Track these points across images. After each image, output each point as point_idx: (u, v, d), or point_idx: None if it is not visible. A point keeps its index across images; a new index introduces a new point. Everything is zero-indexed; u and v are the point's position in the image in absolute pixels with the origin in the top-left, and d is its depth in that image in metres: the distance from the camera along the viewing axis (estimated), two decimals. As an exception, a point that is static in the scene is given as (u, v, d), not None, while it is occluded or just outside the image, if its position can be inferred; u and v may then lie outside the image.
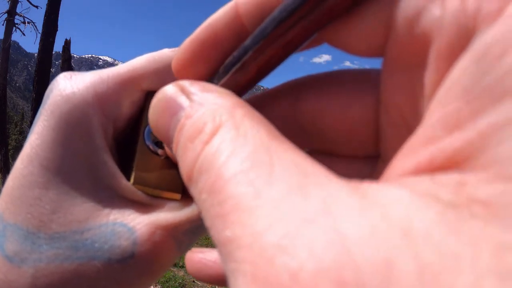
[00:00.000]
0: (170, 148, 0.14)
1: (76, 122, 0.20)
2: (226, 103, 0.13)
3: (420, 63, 0.12)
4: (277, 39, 0.13)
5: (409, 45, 0.12)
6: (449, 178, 0.09)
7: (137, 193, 0.21)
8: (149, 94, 0.22)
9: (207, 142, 0.12)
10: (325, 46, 0.16)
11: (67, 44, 7.05)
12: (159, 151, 0.22)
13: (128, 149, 0.22)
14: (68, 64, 7.23)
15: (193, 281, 3.80)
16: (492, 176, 0.08)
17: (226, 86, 0.15)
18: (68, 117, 0.20)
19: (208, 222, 0.11)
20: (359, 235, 0.08)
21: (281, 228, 0.09)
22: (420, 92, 0.13)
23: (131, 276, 0.19)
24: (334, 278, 0.08)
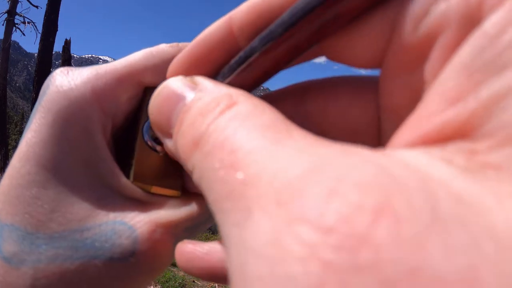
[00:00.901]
0: (167, 137, 0.14)
1: (74, 119, 0.20)
2: (240, 91, 0.12)
3: (421, 62, 0.12)
4: (285, 41, 0.13)
5: (413, 45, 0.12)
6: (459, 147, 0.09)
7: (137, 191, 0.20)
8: (147, 90, 0.21)
9: (222, 113, 0.11)
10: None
11: (67, 44, 7.05)
12: (158, 148, 0.21)
13: (126, 146, 0.22)
14: (68, 64, 7.24)
15: (193, 281, 3.80)
16: (500, 142, 0.09)
17: (232, 85, 0.15)
18: (66, 114, 0.19)
19: (210, 181, 0.10)
20: (392, 164, 0.09)
21: (308, 160, 0.09)
22: (420, 90, 0.13)
23: (132, 274, 0.19)
24: (381, 187, 0.08)
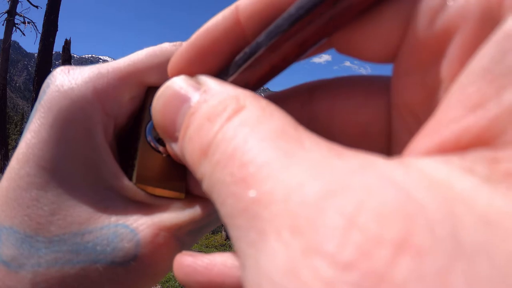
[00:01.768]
0: (172, 141, 0.13)
1: (75, 119, 0.19)
2: (247, 92, 0.12)
3: (437, 59, 0.12)
4: (293, 36, 0.13)
5: (428, 41, 0.12)
6: (481, 156, 0.09)
7: (140, 193, 0.20)
8: (150, 90, 0.21)
9: (229, 119, 0.11)
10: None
11: (67, 44, 7.06)
12: (161, 149, 0.21)
13: (128, 147, 0.21)
14: (68, 64, 7.23)
15: (194, 282, 3.79)
16: None
17: (237, 82, 0.14)
18: (67, 114, 0.19)
19: (221, 195, 0.10)
20: (412, 183, 0.08)
21: (325, 178, 0.08)
22: (435, 88, 0.12)
23: (134, 278, 0.19)
24: (401, 216, 0.07)
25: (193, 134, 0.12)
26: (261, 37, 0.14)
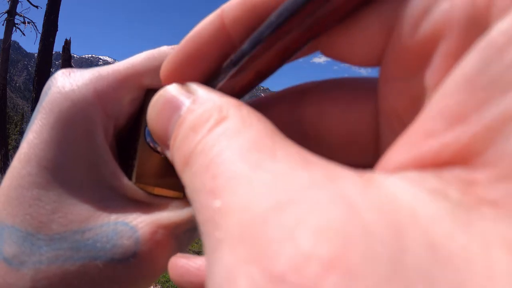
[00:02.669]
0: (165, 148, 0.14)
1: (76, 120, 0.19)
2: (232, 101, 0.12)
3: (422, 65, 0.12)
4: (274, 44, 0.13)
5: (413, 47, 0.12)
6: (456, 176, 0.08)
7: (139, 192, 0.20)
8: (149, 92, 0.21)
9: (211, 130, 0.11)
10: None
11: (67, 44, 7.05)
12: (159, 149, 0.21)
13: (128, 147, 0.22)
14: (68, 64, 7.23)
15: (193, 281, 3.79)
16: (501, 174, 0.08)
17: (225, 88, 0.15)
18: (68, 115, 0.19)
19: (196, 203, 0.10)
20: (366, 203, 0.08)
21: (279, 193, 0.09)
22: (421, 95, 0.12)
23: (133, 275, 0.19)
24: (340, 234, 0.07)
25: (179, 144, 0.12)
26: (244, 45, 0.14)
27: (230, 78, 0.15)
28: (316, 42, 0.14)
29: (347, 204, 0.08)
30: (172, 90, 0.14)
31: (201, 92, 0.13)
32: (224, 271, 0.08)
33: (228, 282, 0.08)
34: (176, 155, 0.12)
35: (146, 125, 0.21)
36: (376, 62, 0.13)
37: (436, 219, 0.08)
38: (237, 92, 0.15)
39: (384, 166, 0.10)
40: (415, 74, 0.12)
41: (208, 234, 0.10)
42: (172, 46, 0.22)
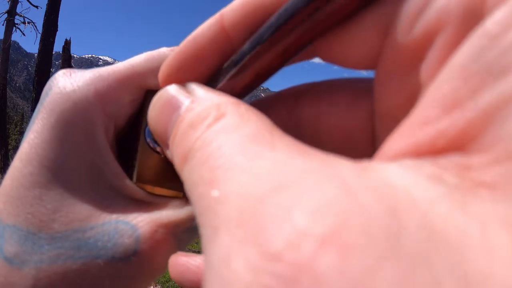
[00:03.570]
0: (165, 147, 0.14)
1: (77, 120, 0.20)
2: (230, 99, 0.12)
3: (418, 63, 0.12)
4: (274, 45, 0.13)
5: (410, 43, 0.12)
6: (452, 161, 0.09)
7: (139, 192, 0.21)
8: (149, 93, 0.22)
9: (209, 126, 0.11)
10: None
11: (67, 44, 7.05)
12: (159, 149, 0.21)
13: (128, 148, 0.22)
14: (68, 64, 7.22)
15: (193, 281, 3.79)
16: (497, 157, 0.08)
17: (224, 89, 0.15)
18: (69, 115, 0.20)
19: (193, 196, 0.10)
20: (362, 185, 0.08)
21: (277, 177, 0.09)
22: (416, 92, 0.12)
23: (133, 274, 0.19)
24: (336, 212, 0.07)
25: (178, 141, 0.12)
26: (245, 46, 0.14)
27: (230, 79, 0.15)
28: (314, 47, 0.14)
29: (343, 185, 0.08)
30: (172, 90, 0.14)
31: (200, 91, 0.14)
32: (220, 253, 0.08)
33: (223, 263, 0.08)
34: (175, 152, 0.12)
35: (146, 126, 0.21)
36: (372, 65, 0.14)
37: (433, 202, 0.08)
38: (236, 93, 0.15)
39: (382, 156, 0.11)
40: (411, 70, 0.12)
41: (206, 224, 0.09)
42: (172, 48, 0.22)
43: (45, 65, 6.78)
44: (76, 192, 0.20)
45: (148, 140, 0.21)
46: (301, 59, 0.15)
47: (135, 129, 0.22)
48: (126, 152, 0.22)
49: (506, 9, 0.09)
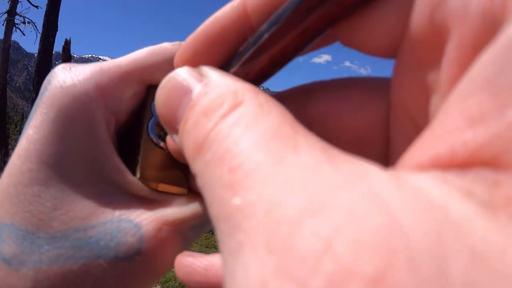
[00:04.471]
0: (173, 133, 0.13)
1: (77, 115, 0.19)
2: (247, 86, 0.12)
3: (436, 58, 0.11)
4: (292, 26, 0.13)
5: (427, 37, 0.12)
6: (481, 177, 0.08)
7: (143, 189, 0.20)
8: (150, 88, 0.21)
9: (225, 116, 0.11)
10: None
11: (67, 44, 7.05)
12: (162, 145, 0.21)
13: (129, 143, 0.22)
14: (68, 64, 7.22)
15: (194, 281, 3.79)
16: None
17: (238, 74, 0.14)
18: (69, 110, 0.19)
19: (210, 196, 0.10)
20: (401, 204, 0.07)
21: (308, 193, 0.08)
22: (433, 89, 0.12)
23: (137, 273, 0.19)
24: (381, 246, 0.07)
25: (190, 128, 0.11)
26: (263, 26, 0.13)
27: (244, 62, 0.14)
28: (335, 31, 0.14)
29: (383, 209, 0.07)
30: (183, 72, 0.13)
31: (214, 75, 0.13)
32: (251, 279, 0.08)
33: None
34: (186, 140, 0.12)
35: (149, 121, 0.21)
36: (393, 52, 0.13)
37: (469, 220, 0.07)
38: (250, 80, 0.14)
39: (404, 165, 0.10)
40: (428, 66, 0.12)
41: (226, 234, 0.09)
42: (174, 43, 0.22)
43: (45, 65, 6.78)
44: (76, 189, 0.19)
45: (152, 135, 0.21)
46: (319, 45, 0.15)
47: (137, 125, 0.22)
48: (128, 148, 0.22)
49: None
